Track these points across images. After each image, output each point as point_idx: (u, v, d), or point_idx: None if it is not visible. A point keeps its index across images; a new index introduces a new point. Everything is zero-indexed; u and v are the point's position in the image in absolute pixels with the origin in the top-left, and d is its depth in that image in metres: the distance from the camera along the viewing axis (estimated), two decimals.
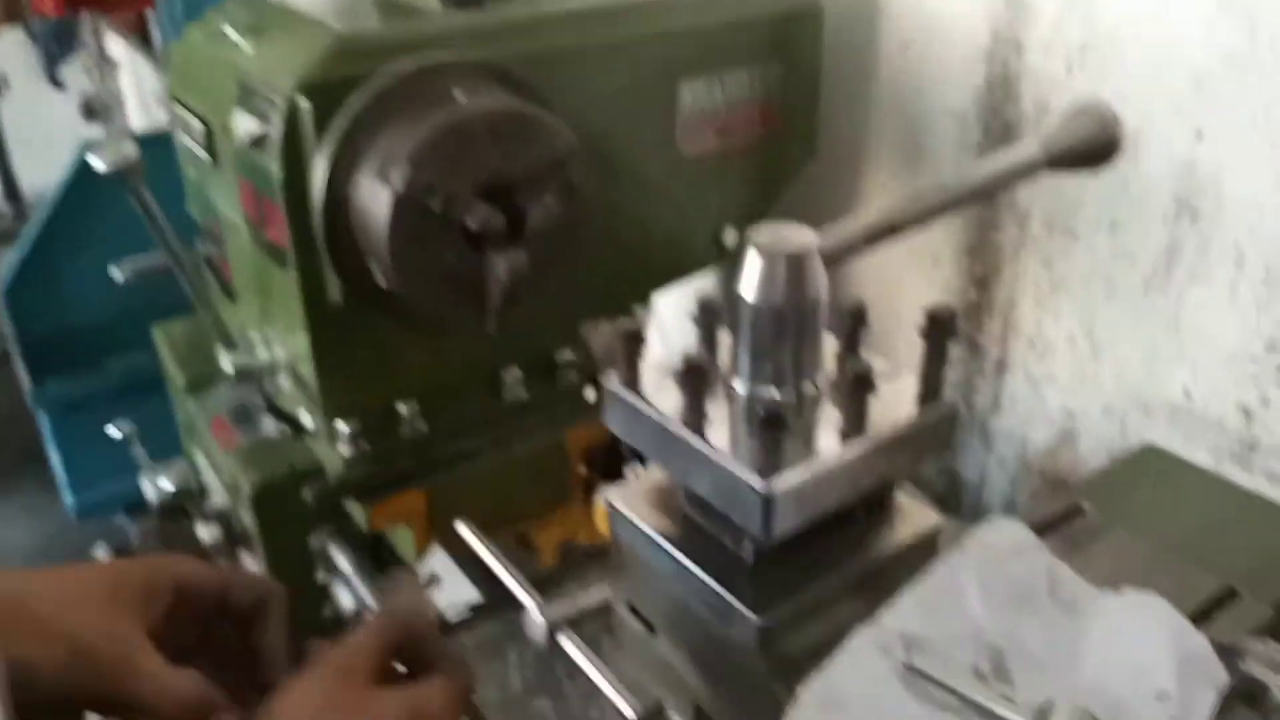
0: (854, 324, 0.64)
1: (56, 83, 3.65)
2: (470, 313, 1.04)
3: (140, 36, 3.66)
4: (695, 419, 0.59)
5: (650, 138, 1.24)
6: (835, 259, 0.61)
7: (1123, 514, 0.90)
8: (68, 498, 2.59)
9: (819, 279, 0.58)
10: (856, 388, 0.57)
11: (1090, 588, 0.62)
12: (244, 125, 1.10)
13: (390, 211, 0.95)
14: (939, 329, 0.59)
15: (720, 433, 0.60)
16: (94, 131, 3.09)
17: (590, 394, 1.32)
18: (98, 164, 1.06)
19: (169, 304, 1.54)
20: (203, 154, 1.26)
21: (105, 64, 3.07)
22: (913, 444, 0.62)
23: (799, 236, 0.59)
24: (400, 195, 0.94)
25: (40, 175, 3.23)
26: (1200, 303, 1.10)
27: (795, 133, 1.34)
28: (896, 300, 1.46)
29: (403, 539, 1.23)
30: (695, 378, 0.58)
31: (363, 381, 1.16)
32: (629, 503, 0.68)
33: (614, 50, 1.17)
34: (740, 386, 0.62)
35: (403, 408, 1.18)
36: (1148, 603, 0.60)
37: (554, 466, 1.23)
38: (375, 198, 0.98)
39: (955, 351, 1.41)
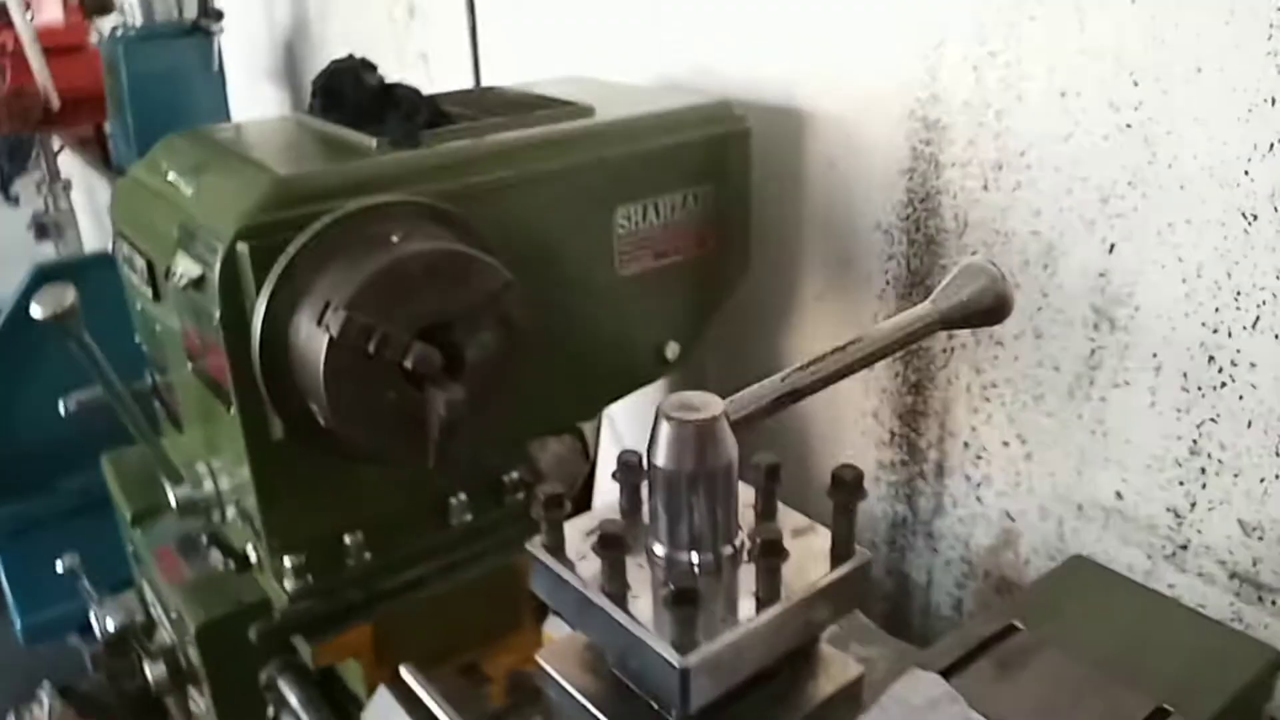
0: (768, 482, 0.65)
1: (10, 198, 3.66)
2: (411, 449, 1.05)
3: (100, 151, 3.70)
4: (615, 587, 0.60)
5: (589, 261, 1.27)
6: (744, 424, 0.63)
7: (1055, 630, 0.91)
8: (16, 622, 2.53)
9: (728, 445, 0.60)
10: (767, 555, 0.59)
11: None
12: (184, 267, 1.12)
13: (326, 355, 0.97)
14: (844, 491, 0.61)
15: (643, 600, 0.61)
16: (46, 250, 3.09)
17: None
18: (36, 311, 1.07)
19: (121, 427, 1.54)
20: (147, 290, 1.28)
21: (57, 182, 3.09)
22: (827, 603, 0.63)
23: (707, 405, 0.61)
24: (335, 340, 0.95)
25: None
26: (1124, 408, 1.14)
27: (730, 249, 1.38)
28: (837, 404, 1.49)
29: (352, 672, 1.22)
30: (613, 545, 0.59)
31: (307, 514, 1.16)
32: (558, 663, 0.69)
33: (550, 180, 1.21)
34: (659, 550, 0.64)
35: (348, 539, 1.18)
36: None
37: (504, 591, 1.24)
38: (313, 341, 0.99)
39: (896, 455, 1.43)
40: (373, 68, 1.27)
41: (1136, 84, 1.04)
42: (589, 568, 0.63)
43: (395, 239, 1.02)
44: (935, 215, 1.28)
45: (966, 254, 1.25)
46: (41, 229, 3.02)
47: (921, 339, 0.75)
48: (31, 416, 2.38)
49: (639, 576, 0.63)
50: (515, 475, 1.30)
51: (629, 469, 0.66)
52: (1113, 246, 1.11)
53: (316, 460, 1.13)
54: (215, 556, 1.30)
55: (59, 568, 1.51)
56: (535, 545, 0.67)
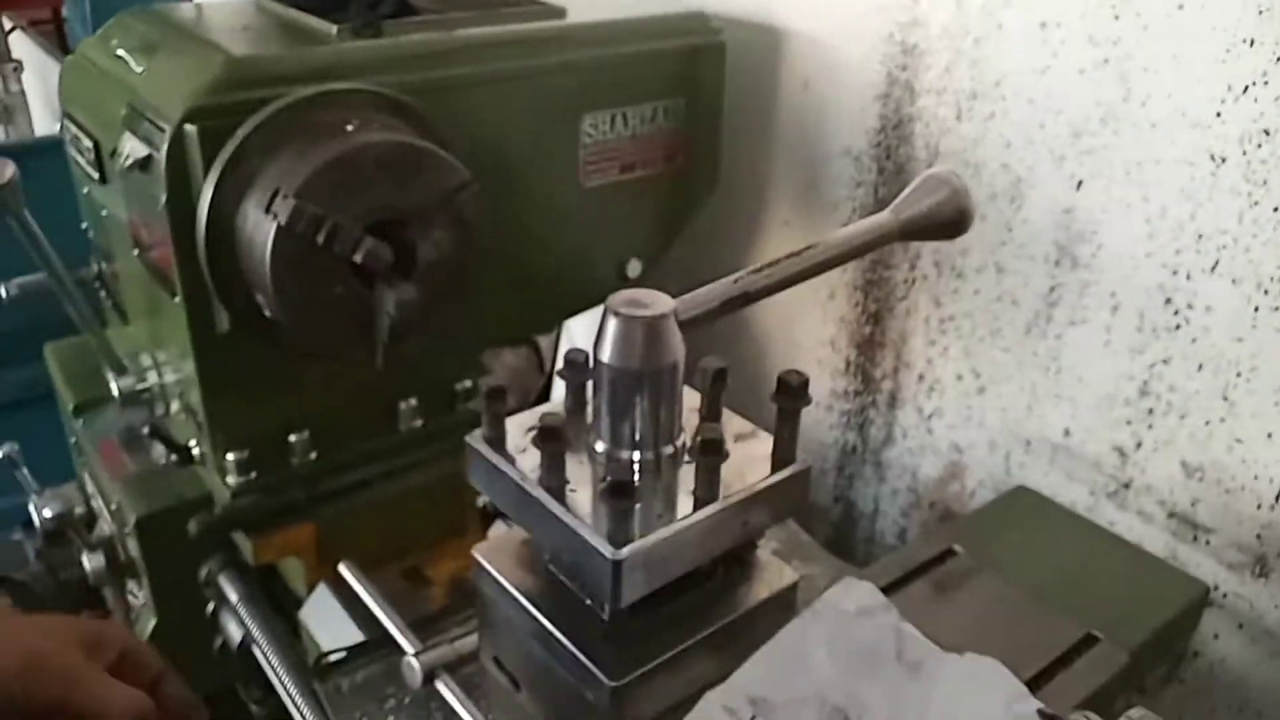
0: (714, 385, 0.65)
1: None
2: (358, 346, 1.03)
3: (58, 35, 3.56)
4: (554, 480, 0.60)
5: (552, 169, 1.24)
6: (693, 324, 0.62)
7: (994, 556, 0.93)
8: None
9: (675, 344, 0.59)
10: (706, 454, 0.58)
11: (935, 649, 0.64)
12: (130, 148, 1.08)
13: (272, 243, 0.94)
14: (789, 396, 0.61)
15: (581, 495, 0.60)
16: None
17: None
18: None
19: (66, 318, 1.51)
20: (93, 172, 1.24)
21: (7, 64, 2.97)
22: (764, 506, 0.63)
23: (656, 302, 0.60)
24: (283, 228, 0.93)
25: None
26: (1078, 346, 1.14)
27: (699, 167, 1.35)
28: (796, 331, 1.48)
29: (293, 570, 1.21)
30: (552, 438, 0.58)
31: (253, 411, 1.14)
32: (493, 558, 0.68)
33: (514, 81, 1.17)
34: (600, 447, 0.63)
35: (294, 437, 1.16)
36: (986, 667, 0.62)
37: (449, 498, 1.23)
38: (260, 228, 0.97)
39: (850, 384, 1.44)
40: None
41: (1118, 18, 1.02)
42: (529, 461, 0.62)
43: (350, 128, 0.99)
44: (906, 143, 1.26)
45: None
46: None
47: (877, 248, 0.74)
48: None
49: (579, 473, 0.62)
50: (468, 384, 1.29)
51: (574, 367, 0.65)
52: (1080, 183, 1.10)
53: (263, 354, 1.10)
54: (158, 450, 1.28)
55: None
56: (475, 438, 0.66)
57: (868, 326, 1.38)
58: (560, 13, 1.23)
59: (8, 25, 3.16)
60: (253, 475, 1.14)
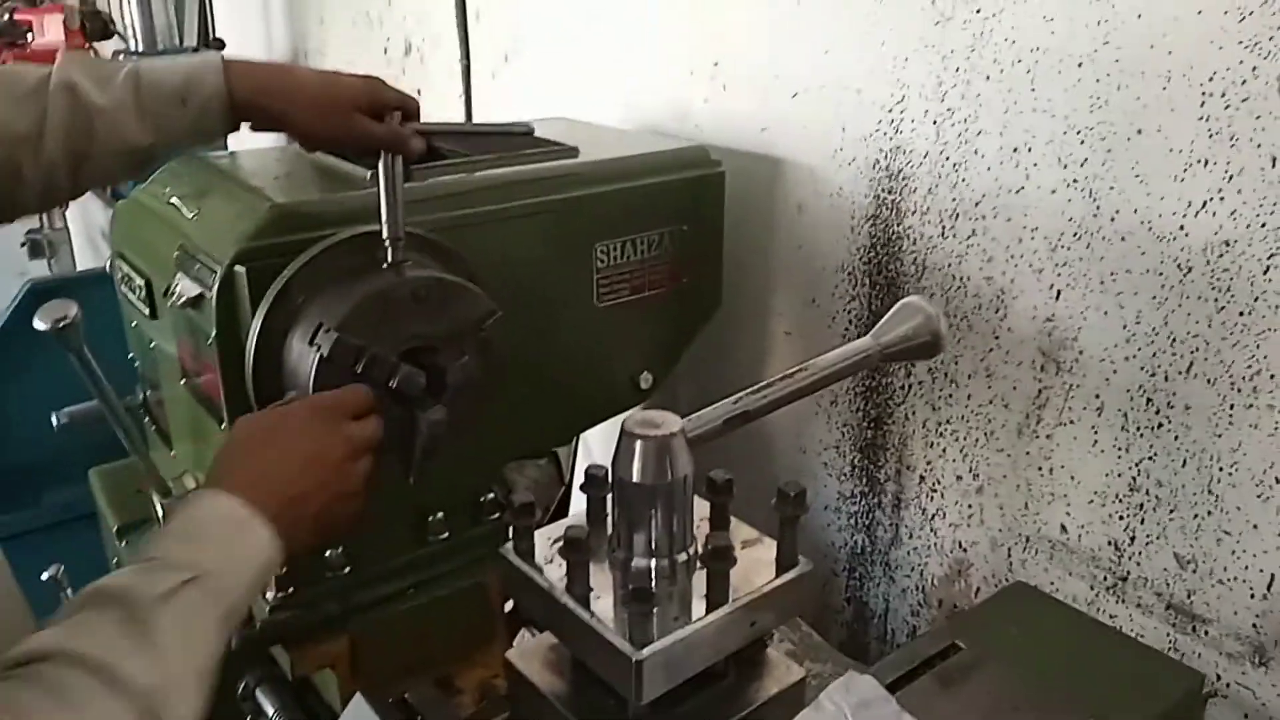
0: (721, 495, 0.72)
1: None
2: (393, 466, 1.10)
3: None
4: (579, 588, 0.66)
5: (569, 293, 1.34)
6: (700, 440, 0.70)
7: (996, 650, 0.97)
8: None
9: (684, 460, 0.67)
10: (715, 561, 0.65)
11: None
12: (183, 287, 1.17)
13: (315, 372, 1.02)
14: (788, 504, 0.68)
15: (606, 602, 0.67)
16: (39, 267, 3.13)
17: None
18: (40, 324, 1.12)
19: (109, 442, 1.59)
20: (144, 308, 1.33)
21: None
22: (771, 607, 0.69)
23: (666, 422, 0.68)
24: (325, 359, 1.01)
25: None
26: (1068, 446, 1.21)
27: (702, 285, 1.45)
28: (803, 437, 1.55)
29: (327, 683, 1.26)
30: (576, 550, 0.65)
31: None
32: (525, 662, 0.74)
33: (532, 216, 1.27)
34: (620, 556, 0.69)
35: (329, 552, 1.22)
36: None
37: (477, 607, 1.28)
38: (303, 360, 1.05)
39: (856, 486, 1.50)
40: None
41: (1083, 142, 1.12)
42: (556, 572, 0.69)
43: (385, 265, 1.08)
44: (896, 259, 1.35)
45: (925, 296, 1.32)
46: (35, 246, 3.06)
47: (861, 370, 0.81)
48: (20, 431, 2.42)
49: (602, 580, 0.68)
50: (492, 495, 1.35)
51: (594, 481, 0.72)
52: (1059, 293, 1.18)
53: None
54: None
55: (44, 577, 1.54)
56: (507, 550, 0.72)
57: (869, 430, 1.44)
58: (573, 152, 1.34)
59: None
60: (290, 590, 1.20)
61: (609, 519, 0.72)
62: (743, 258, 1.53)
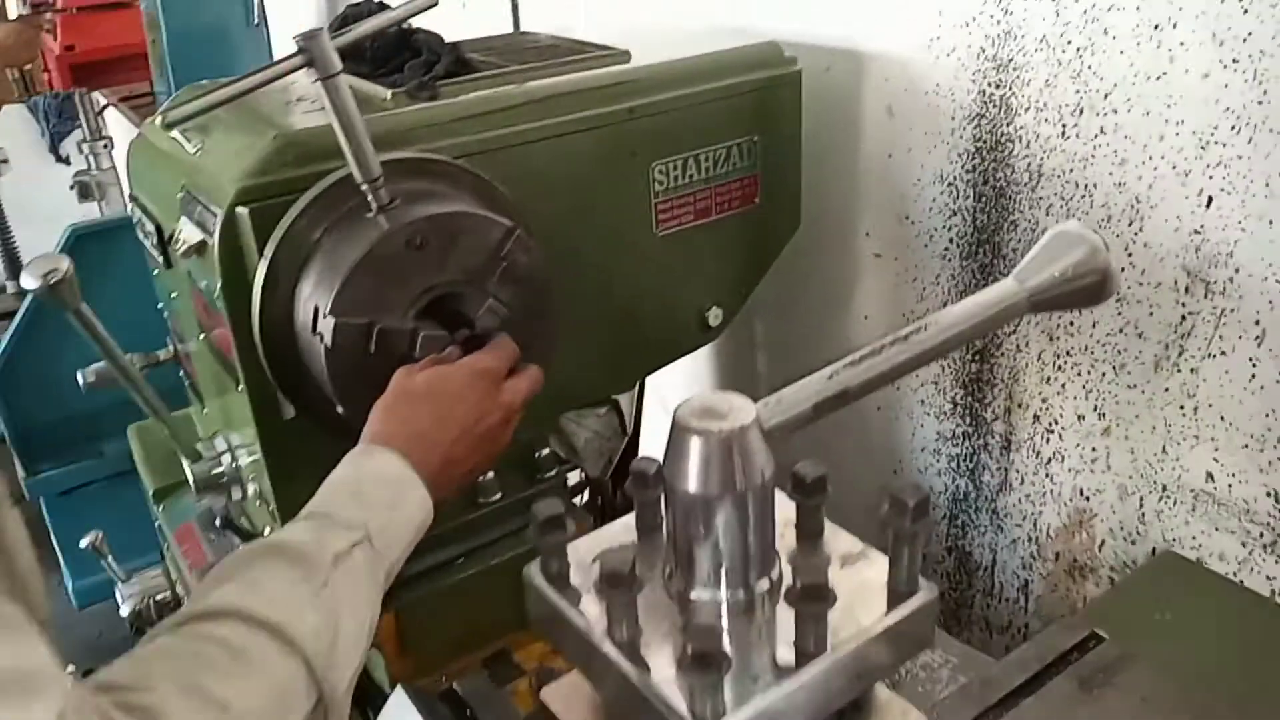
0: (812, 496, 0.55)
1: (59, 158, 3.64)
2: None
3: (154, 110, 3.65)
4: (624, 632, 0.50)
5: (623, 221, 1.17)
6: (782, 433, 0.53)
7: (1144, 642, 0.81)
8: (69, 584, 2.54)
9: (761, 460, 0.50)
10: (809, 603, 0.48)
11: None
12: (186, 232, 1.04)
13: (326, 364, 0.90)
14: (904, 516, 0.50)
15: (658, 648, 0.50)
16: (91, 210, 3.07)
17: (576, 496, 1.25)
18: (29, 282, 1.00)
19: (174, 385, 1.48)
20: (158, 256, 1.21)
21: (99, 141, 3.04)
22: (883, 651, 0.53)
23: (735, 410, 0.51)
24: (330, 349, 0.88)
25: (43, 251, 3.20)
26: (1218, 381, 1.02)
27: (778, 205, 1.27)
28: None
29: (375, 663, 1.16)
30: (618, 584, 0.49)
31: None
32: (565, 703, 0.60)
33: (577, 133, 1.10)
34: (678, 587, 0.53)
35: None
36: None
37: None
38: (313, 347, 0.92)
39: (958, 426, 1.32)
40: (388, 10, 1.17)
41: (1246, 10, 0.91)
42: (596, 605, 0.54)
43: (370, 214, 0.91)
44: (1005, 166, 1.15)
45: (1040, 208, 1.13)
46: (84, 189, 2.98)
47: (1001, 325, 0.64)
48: (73, 382, 2.35)
49: (655, 617, 0.52)
50: (547, 451, 1.22)
51: (643, 481, 0.56)
52: (1210, 200, 0.98)
53: (332, 440, 1.05)
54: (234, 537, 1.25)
55: (83, 544, 1.46)
56: (534, 573, 0.57)
57: (974, 364, 1.26)
58: (624, 56, 1.16)
59: (101, 102, 3.25)
60: None
61: (663, 528, 0.56)
62: (823, 171, 1.33)
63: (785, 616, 0.52)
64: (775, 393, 0.55)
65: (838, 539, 0.57)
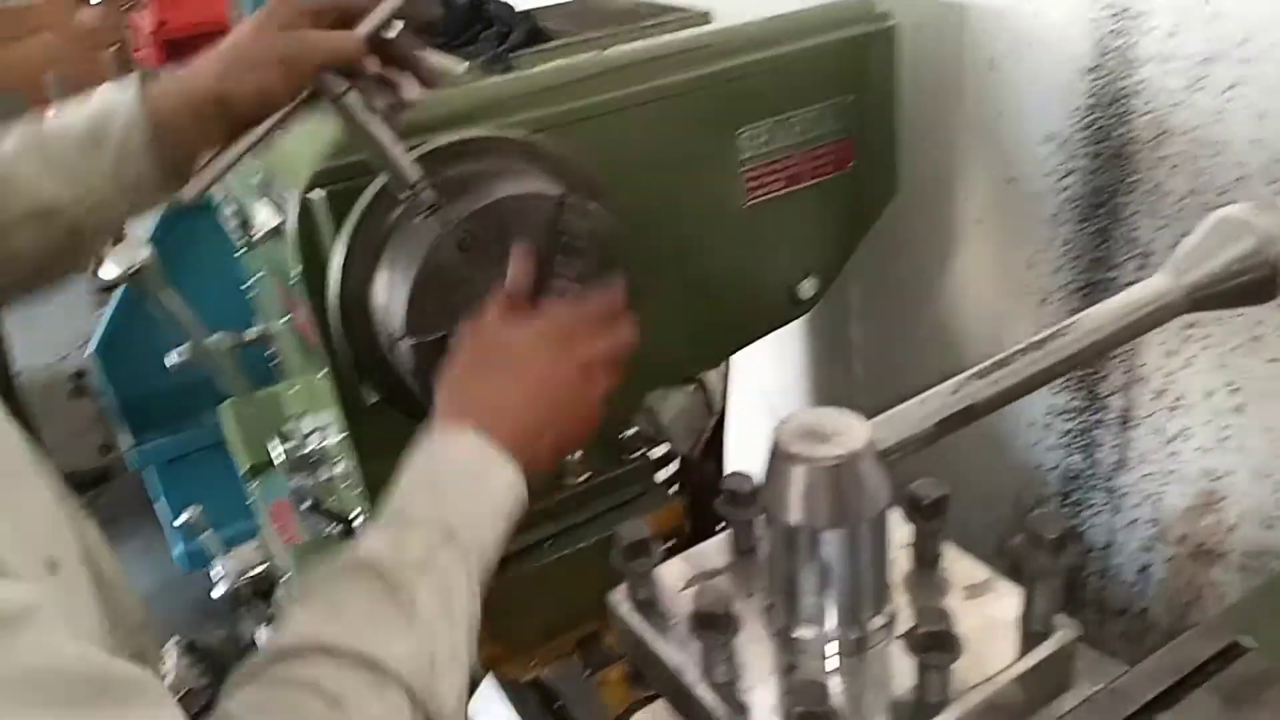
0: (931, 520, 0.49)
1: None
2: None
3: None
4: (721, 674, 0.45)
5: (709, 190, 1.12)
6: (899, 455, 0.47)
7: None
8: (177, 548, 2.62)
9: (876, 489, 0.44)
10: (933, 653, 0.42)
11: None
12: (263, 216, 1.03)
13: (413, 376, 0.89)
14: (1041, 552, 0.43)
15: (759, 693, 0.46)
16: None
17: (661, 473, 1.21)
18: (107, 271, 1.00)
19: (252, 369, 1.49)
20: (240, 239, 1.21)
21: None
22: (1016, 697, 0.46)
23: (845, 432, 0.45)
24: (413, 370, 0.89)
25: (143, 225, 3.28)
26: None
27: (873, 170, 1.20)
28: (1002, 336, 1.30)
29: None
30: (712, 626, 0.44)
31: None
32: None
33: (658, 101, 1.05)
34: (779, 625, 0.48)
35: None
36: None
37: None
38: (401, 359, 0.91)
39: (1071, 399, 1.24)
40: None
41: None
42: (690, 638, 0.49)
43: (419, 218, 0.88)
44: (1124, 123, 1.06)
45: (1164, 168, 1.04)
46: None
47: (1154, 328, 0.56)
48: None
49: (754, 657, 0.47)
50: (633, 430, 1.19)
51: (737, 500, 0.51)
52: None
53: (413, 422, 1.04)
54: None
55: (177, 523, 1.49)
56: (619, 600, 0.53)
57: None
58: (704, 18, 1.10)
59: None
60: None
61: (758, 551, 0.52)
62: (920, 132, 1.25)
63: (901, 657, 0.47)
64: (891, 409, 0.50)
65: (958, 565, 0.51)
